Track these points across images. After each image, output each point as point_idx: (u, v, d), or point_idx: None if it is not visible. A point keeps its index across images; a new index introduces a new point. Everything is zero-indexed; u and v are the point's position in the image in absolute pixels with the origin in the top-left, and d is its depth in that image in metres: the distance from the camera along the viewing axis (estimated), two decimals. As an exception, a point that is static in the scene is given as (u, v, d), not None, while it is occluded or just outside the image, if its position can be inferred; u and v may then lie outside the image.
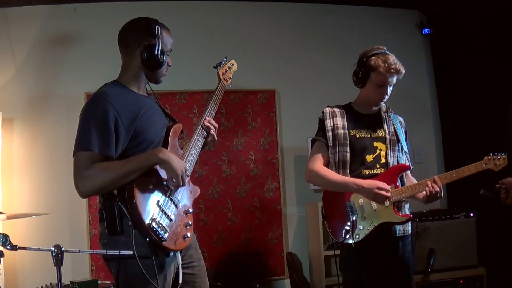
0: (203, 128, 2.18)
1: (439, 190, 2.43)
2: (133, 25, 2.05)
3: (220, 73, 2.37)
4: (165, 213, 1.90)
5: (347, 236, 2.45)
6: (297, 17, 4.36)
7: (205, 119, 2.20)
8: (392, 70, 2.45)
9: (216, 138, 2.25)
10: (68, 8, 3.92)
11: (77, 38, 3.93)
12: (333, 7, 4.42)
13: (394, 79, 2.51)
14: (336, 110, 2.64)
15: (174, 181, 1.91)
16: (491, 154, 2.42)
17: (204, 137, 2.18)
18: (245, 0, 4.29)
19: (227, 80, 2.38)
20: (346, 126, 2.57)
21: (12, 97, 3.77)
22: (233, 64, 2.45)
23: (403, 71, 2.49)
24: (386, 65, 2.45)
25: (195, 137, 2.13)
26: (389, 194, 2.43)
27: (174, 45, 2.11)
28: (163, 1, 4.09)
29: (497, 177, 2.39)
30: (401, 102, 4.01)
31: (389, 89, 2.53)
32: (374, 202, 2.46)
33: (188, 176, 2.04)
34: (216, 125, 2.24)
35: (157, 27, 1.99)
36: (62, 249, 1.82)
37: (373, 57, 2.50)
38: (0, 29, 3.79)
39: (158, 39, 1.98)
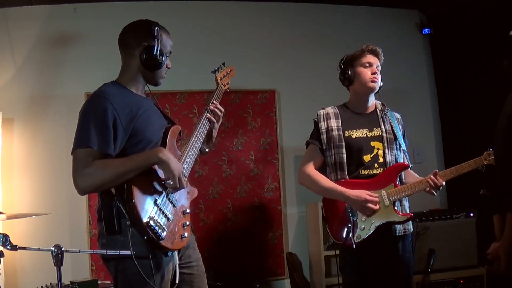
0: (204, 124, 2.20)
1: (443, 183, 2.44)
2: (133, 26, 2.07)
3: (218, 78, 2.40)
4: (163, 212, 1.91)
5: (348, 238, 2.45)
6: (297, 17, 4.35)
7: (211, 103, 2.25)
8: (371, 46, 2.60)
9: (220, 119, 2.28)
10: (68, 8, 3.92)
11: (77, 38, 3.93)
12: (333, 7, 4.42)
13: (377, 61, 2.60)
14: (330, 111, 2.65)
15: (171, 183, 1.92)
16: (490, 149, 2.40)
17: (202, 141, 2.19)
18: (245, 0, 4.29)
19: (225, 85, 2.40)
20: (341, 127, 2.58)
21: (12, 97, 3.77)
22: (231, 70, 2.48)
23: (381, 52, 2.62)
24: (364, 46, 2.61)
25: (193, 139, 2.14)
26: (377, 207, 2.43)
27: (174, 45, 2.13)
28: (163, 1, 4.09)
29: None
30: (401, 102, 4.03)
31: (379, 74, 2.58)
32: None
33: (185, 177, 2.05)
34: (222, 109, 2.28)
35: (157, 29, 2.01)
36: (62, 249, 1.83)
37: (349, 55, 2.65)
38: (0, 29, 3.79)
39: (157, 40, 1.99)
